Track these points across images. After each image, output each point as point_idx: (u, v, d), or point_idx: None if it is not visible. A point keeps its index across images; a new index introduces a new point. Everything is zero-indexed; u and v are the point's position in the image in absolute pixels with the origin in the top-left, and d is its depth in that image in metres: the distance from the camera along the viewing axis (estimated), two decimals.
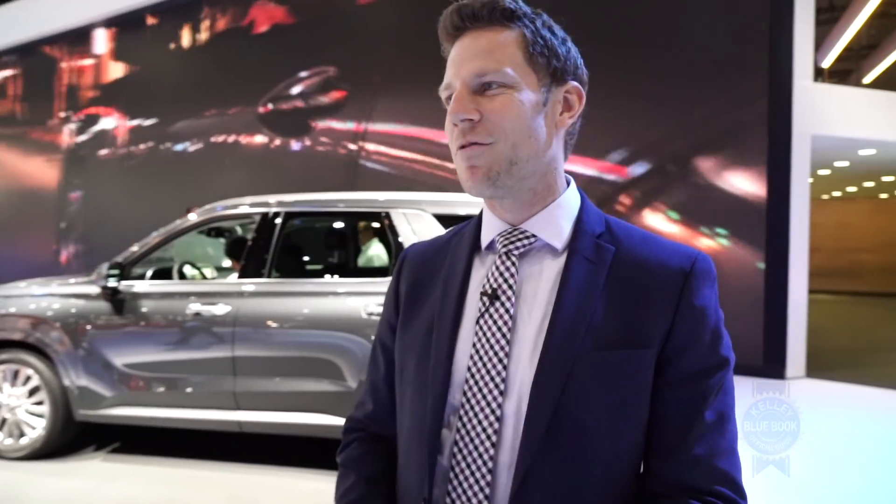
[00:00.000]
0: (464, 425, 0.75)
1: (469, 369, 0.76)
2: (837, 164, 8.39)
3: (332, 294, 3.31)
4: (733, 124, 5.75)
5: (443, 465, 0.77)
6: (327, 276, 3.52)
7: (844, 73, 12.03)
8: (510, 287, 0.77)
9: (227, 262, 4.91)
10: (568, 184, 0.83)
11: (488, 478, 0.73)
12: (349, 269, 3.77)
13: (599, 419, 0.72)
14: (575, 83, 0.79)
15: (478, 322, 0.77)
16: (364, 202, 3.51)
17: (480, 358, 0.75)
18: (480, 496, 0.73)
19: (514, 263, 0.78)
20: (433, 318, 0.82)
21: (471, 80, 0.74)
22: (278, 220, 3.49)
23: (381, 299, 3.17)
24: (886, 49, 10.82)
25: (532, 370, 0.73)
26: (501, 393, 0.73)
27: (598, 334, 0.73)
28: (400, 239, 3.33)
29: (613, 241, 0.79)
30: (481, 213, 0.87)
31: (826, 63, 10.08)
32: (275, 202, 3.57)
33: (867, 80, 11.01)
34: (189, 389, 3.40)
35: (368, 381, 0.95)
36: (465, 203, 3.45)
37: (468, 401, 0.75)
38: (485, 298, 0.78)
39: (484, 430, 0.74)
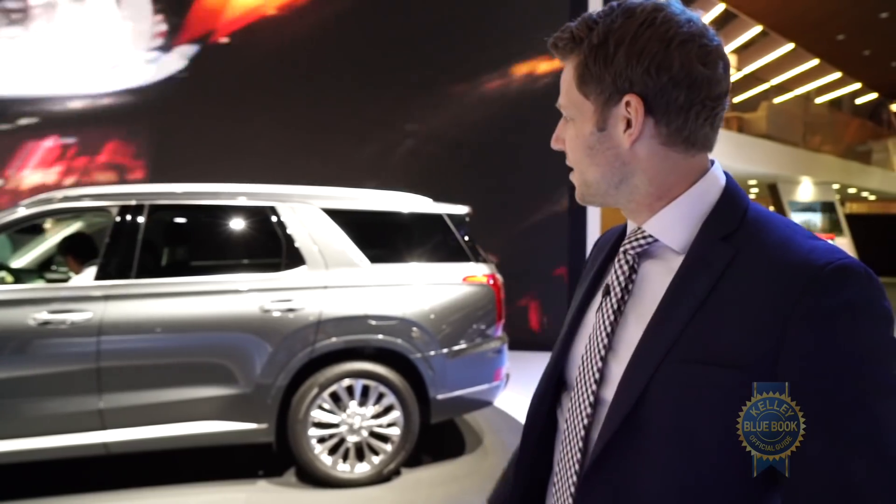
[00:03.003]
0: (570, 408, 0.80)
1: (582, 356, 0.80)
2: None
3: (222, 292, 3.08)
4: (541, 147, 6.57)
5: (559, 436, 0.83)
6: (212, 274, 3.24)
7: None
8: (619, 284, 0.78)
9: (19, 261, 4.14)
10: (704, 181, 0.76)
11: (578, 456, 0.77)
12: (241, 265, 3.51)
13: (667, 431, 0.69)
14: (633, 97, 0.72)
15: (597, 313, 0.81)
16: (249, 195, 3.32)
17: (590, 347, 0.79)
18: (572, 472, 0.77)
19: (627, 262, 0.79)
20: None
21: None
22: (143, 214, 3.12)
23: (274, 296, 3.10)
24: None
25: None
26: (596, 381, 0.76)
27: (686, 345, 0.69)
28: (288, 232, 3.24)
29: (741, 240, 0.71)
30: None
31: None
32: (141, 193, 3.18)
33: None
34: (33, 414, 2.86)
35: None
36: (351, 198, 3.48)
37: (575, 385, 0.80)
38: (601, 293, 0.82)
39: (580, 413, 0.77)
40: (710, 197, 0.76)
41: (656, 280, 0.76)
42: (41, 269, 4.15)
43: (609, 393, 0.74)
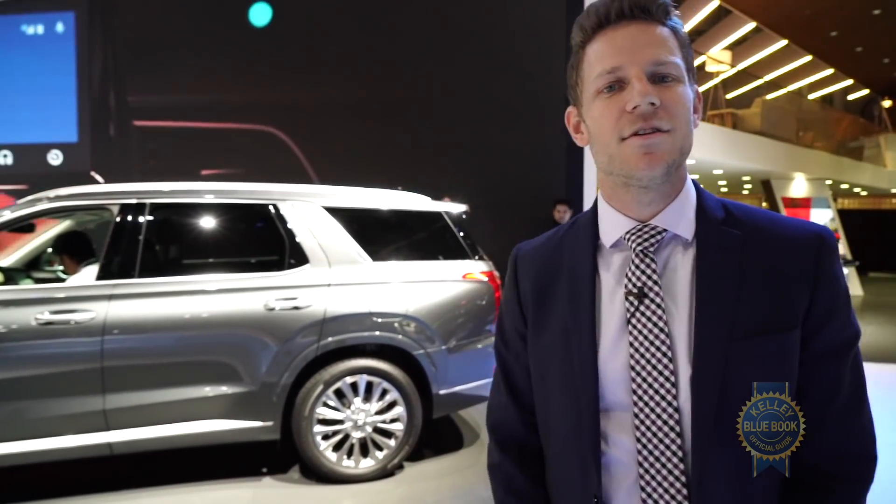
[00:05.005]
0: (643, 422, 0.75)
1: (633, 368, 0.76)
2: None
3: (226, 291, 3.09)
4: (537, 138, 6.69)
5: (619, 460, 0.78)
6: (215, 273, 3.25)
7: None
8: (656, 283, 0.77)
9: (6, 260, 4.11)
10: (689, 178, 0.83)
11: (682, 466, 0.73)
12: (242, 264, 3.52)
13: None
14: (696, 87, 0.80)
15: (629, 322, 0.77)
16: (250, 193, 3.33)
17: (643, 356, 0.75)
18: (678, 485, 0.74)
19: (653, 260, 0.78)
20: (566, 321, 0.82)
21: (648, 67, 0.74)
22: (146, 212, 3.12)
23: (278, 294, 3.11)
24: None
25: (690, 365, 0.73)
26: (674, 385, 0.74)
27: (745, 322, 0.73)
28: (291, 230, 3.25)
29: (737, 225, 0.79)
30: (595, 210, 0.86)
31: None
32: (139, 191, 3.19)
33: None
34: (36, 415, 2.86)
35: (504, 385, 0.94)
36: (352, 196, 3.50)
37: (640, 398, 0.75)
38: (632, 298, 0.77)
39: (665, 423, 0.74)
40: (693, 192, 0.83)
41: (680, 271, 0.78)
42: (28, 267, 4.12)
43: (683, 397, 0.74)
